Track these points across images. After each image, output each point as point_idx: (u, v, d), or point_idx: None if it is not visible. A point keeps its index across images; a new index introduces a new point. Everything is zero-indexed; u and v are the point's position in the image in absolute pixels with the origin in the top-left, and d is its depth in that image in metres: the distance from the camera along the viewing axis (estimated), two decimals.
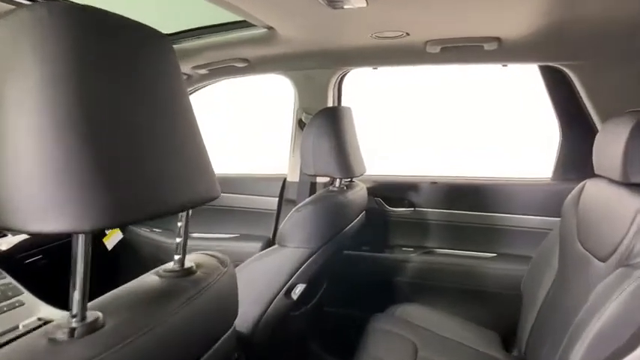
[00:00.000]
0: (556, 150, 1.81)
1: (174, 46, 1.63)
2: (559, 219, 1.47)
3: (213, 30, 1.52)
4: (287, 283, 1.31)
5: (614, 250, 1.11)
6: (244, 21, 1.36)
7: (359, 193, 1.57)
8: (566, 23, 1.24)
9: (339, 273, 1.82)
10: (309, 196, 1.89)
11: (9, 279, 1.29)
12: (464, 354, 1.49)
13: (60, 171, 0.43)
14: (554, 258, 1.45)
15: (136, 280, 0.64)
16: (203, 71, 1.83)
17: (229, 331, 0.78)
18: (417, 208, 1.94)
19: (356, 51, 1.60)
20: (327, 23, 1.30)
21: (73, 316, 0.49)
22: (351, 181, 1.62)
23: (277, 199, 2.05)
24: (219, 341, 0.74)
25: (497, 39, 1.41)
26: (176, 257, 0.69)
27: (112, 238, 2.00)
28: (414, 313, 1.69)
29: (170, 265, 0.69)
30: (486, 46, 1.45)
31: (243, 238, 2.07)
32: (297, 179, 1.97)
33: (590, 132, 1.67)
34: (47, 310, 1.21)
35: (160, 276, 0.66)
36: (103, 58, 0.49)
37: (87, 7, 0.48)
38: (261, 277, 1.32)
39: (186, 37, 1.57)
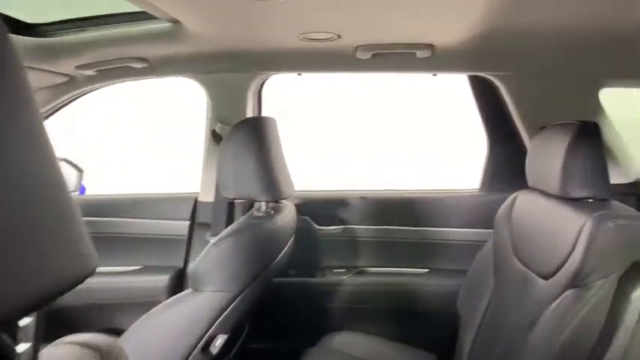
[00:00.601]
0: (484, 161, 1.80)
1: (50, 38, 1.30)
2: (491, 230, 1.44)
3: (104, 22, 1.24)
4: (204, 335, 1.07)
5: (559, 269, 1.07)
6: (143, 12, 1.10)
7: (288, 216, 1.38)
8: (496, 34, 1.20)
9: (265, 305, 1.61)
10: (227, 218, 1.65)
11: None
12: None
13: None
14: (489, 273, 1.41)
15: None
16: (90, 72, 1.49)
17: None
18: (347, 226, 1.80)
19: (280, 54, 1.41)
20: (245, 18, 1.09)
21: None
22: (277, 201, 1.41)
23: (188, 222, 1.77)
24: None
25: (431, 46, 1.33)
26: None
27: None
28: (350, 342, 1.57)
29: None
30: (419, 54, 1.36)
31: (148, 270, 1.75)
32: (211, 199, 1.70)
33: (518, 143, 1.67)
34: None
35: None
36: None
37: None
38: (173, 331, 1.06)
39: (68, 28, 1.26)
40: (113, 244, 1.78)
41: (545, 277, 1.12)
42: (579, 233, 1.03)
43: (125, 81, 1.67)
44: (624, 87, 1.68)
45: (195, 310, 1.08)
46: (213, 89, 1.69)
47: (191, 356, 1.05)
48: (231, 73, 1.64)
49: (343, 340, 1.58)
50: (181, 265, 1.76)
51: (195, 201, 1.78)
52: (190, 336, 1.05)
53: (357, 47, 1.35)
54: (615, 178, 1.66)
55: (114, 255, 1.76)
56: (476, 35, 1.22)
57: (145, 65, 1.46)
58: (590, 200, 1.13)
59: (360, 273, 1.79)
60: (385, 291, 1.76)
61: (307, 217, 1.79)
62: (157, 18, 1.14)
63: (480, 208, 1.72)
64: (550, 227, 1.17)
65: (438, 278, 1.74)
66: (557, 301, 1.04)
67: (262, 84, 1.77)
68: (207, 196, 1.73)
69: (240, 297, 1.13)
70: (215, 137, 1.67)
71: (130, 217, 1.81)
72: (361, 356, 1.50)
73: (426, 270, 1.78)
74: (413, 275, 1.77)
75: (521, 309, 1.19)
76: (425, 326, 1.70)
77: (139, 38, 1.28)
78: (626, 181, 1.67)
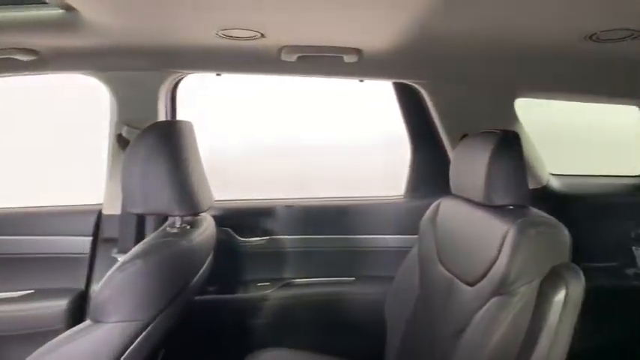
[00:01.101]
0: (408, 167, 1.81)
1: None
2: (417, 236, 1.44)
3: None
4: None
5: (484, 276, 1.09)
6: None
7: (207, 231, 1.25)
8: (421, 42, 1.20)
9: (181, 326, 1.46)
10: (137, 233, 1.47)
11: None
12: None
13: None
14: (415, 278, 1.41)
15: None
16: None
17: None
18: (272, 236, 1.71)
19: (195, 51, 1.28)
20: (154, 10, 0.96)
21: None
22: (194, 215, 1.28)
23: (90, 238, 1.56)
24: None
25: (358, 51, 1.29)
26: None
27: None
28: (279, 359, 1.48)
29: None
30: (346, 58, 1.32)
31: (41, 295, 1.50)
32: (117, 211, 1.52)
33: (441, 150, 1.70)
34: None
35: None
36: None
37: None
38: None
39: None
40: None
41: (471, 284, 1.13)
42: (503, 240, 1.05)
43: (9, 75, 1.43)
44: (538, 98, 1.79)
45: (97, 345, 0.92)
46: (118, 88, 1.50)
47: None
48: (140, 71, 1.47)
49: (270, 358, 1.48)
50: (82, 287, 1.55)
51: (99, 214, 1.58)
52: None
53: (282, 48, 1.26)
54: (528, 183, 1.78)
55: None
56: (403, 42, 1.20)
57: (34, 58, 1.24)
58: (511, 207, 1.16)
59: (286, 285, 1.71)
60: (312, 303, 1.70)
61: (228, 229, 1.68)
62: (46, 3, 0.96)
63: (404, 215, 1.73)
64: (474, 234, 1.18)
65: (365, 286, 1.72)
66: (485, 308, 1.05)
67: (176, 84, 1.61)
68: (113, 209, 1.54)
69: (152, 325, 0.98)
70: (121, 142, 1.48)
71: (21, 235, 1.57)
72: None
73: (353, 278, 1.75)
74: (340, 284, 1.73)
75: (447, 315, 1.19)
76: (353, 336, 1.67)
77: (26, 26, 1.08)
78: (537, 186, 1.79)
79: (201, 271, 1.21)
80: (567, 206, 1.79)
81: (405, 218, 1.70)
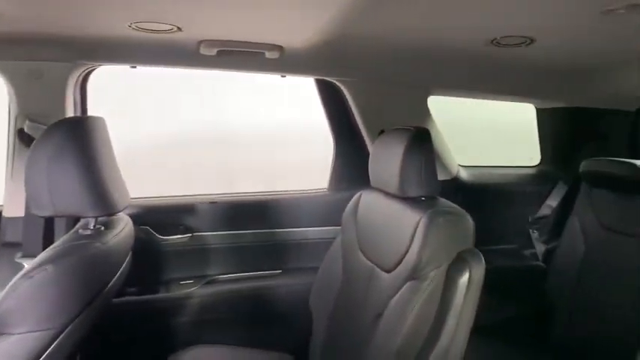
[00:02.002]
0: (331, 161, 1.86)
1: None
2: (340, 227, 1.50)
3: None
4: None
5: (399, 263, 1.16)
6: None
7: (124, 231, 1.19)
8: (340, 41, 1.24)
9: (98, 331, 1.39)
10: (45, 235, 1.36)
11: None
12: None
13: None
14: (338, 268, 1.47)
15: None
16: None
17: None
18: (195, 233, 1.67)
19: (107, 42, 1.21)
20: None
21: None
22: (109, 215, 1.21)
23: None
24: None
25: (280, 48, 1.30)
26: None
27: None
28: (202, 356, 1.47)
29: None
30: (268, 54, 1.32)
31: None
32: (21, 213, 1.39)
33: (361, 145, 1.77)
34: None
35: None
36: None
37: None
38: None
39: None
40: None
41: (388, 271, 1.20)
42: (415, 229, 1.13)
43: None
44: (449, 96, 1.92)
45: (3, 358, 0.85)
46: (19, 80, 1.37)
47: None
48: (45, 61, 1.36)
49: (194, 356, 1.46)
50: None
51: None
52: None
53: (201, 42, 1.24)
54: (439, 174, 1.91)
55: None
56: (323, 41, 1.23)
57: None
58: (423, 198, 1.24)
59: (211, 282, 1.69)
60: (238, 298, 1.70)
61: (147, 227, 1.61)
62: None
63: (328, 207, 1.77)
64: (390, 224, 1.25)
65: (291, 278, 1.75)
66: (399, 292, 1.12)
67: (87, 76, 1.51)
68: (15, 210, 1.41)
69: (64, 333, 0.93)
70: (23, 138, 1.36)
71: None
72: None
73: (279, 271, 1.77)
74: (266, 278, 1.75)
75: (367, 302, 1.25)
76: (281, 328, 1.70)
77: None
78: (448, 178, 1.92)
79: (118, 273, 1.16)
80: (474, 195, 1.96)
81: (329, 211, 1.75)
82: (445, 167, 1.89)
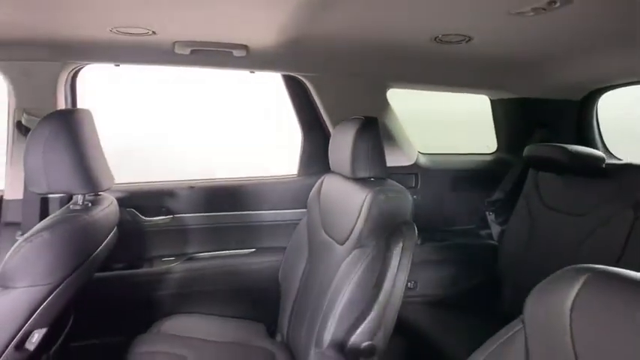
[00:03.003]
0: (299, 149, 2.04)
1: None
2: (306, 210, 1.66)
3: None
4: (18, 332, 1.04)
5: (349, 235, 1.33)
6: None
7: (109, 208, 1.37)
8: (302, 40, 1.40)
9: (89, 301, 1.57)
10: (41, 215, 1.54)
11: None
12: (234, 352, 1.53)
13: None
14: (304, 246, 1.63)
15: None
16: None
17: None
18: (175, 215, 1.85)
19: (91, 44, 1.39)
20: (47, 5, 1.06)
21: None
22: (96, 195, 1.40)
23: None
24: None
25: (245, 47, 1.47)
26: None
27: None
28: (181, 324, 1.64)
29: None
30: (235, 53, 1.49)
31: None
32: (20, 196, 1.57)
33: (325, 134, 1.94)
34: None
35: None
36: None
37: None
38: None
39: None
40: None
41: (341, 243, 1.37)
42: (362, 206, 1.30)
43: None
44: (406, 88, 2.09)
45: (6, 307, 1.03)
46: (16, 77, 1.54)
47: (3, 355, 1.01)
48: (37, 61, 1.53)
49: (175, 324, 1.62)
50: None
51: (1, 199, 1.62)
52: (2, 334, 1.00)
53: (175, 43, 1.41)
54: (400, 161, 2.09)
55: None
56: (283, 40, 1.40)
57: None
58: (372, 179, 1.42)
59: (190, 259, 1.86)
60: (215, 273, 1.87)
61: (132, 209, 1.79)
62: None
63: (297, 191, 1.94)
64: (344, 202, 1.43)
65: (262, 256, 1.92)
66: (346, 260, 1.30)
67: (76, 74, 1.68)
68: (15, 193, 1.58)
69: (58, 289, 1.11)
70: (21, 129, 1.54)
71: None
72: (194, 335, 1.58)
73: (253, 250, 1.94)
74: (240, 256, 1.91)
75: (326, 272, 1.41)
76: (253, 300, 1.86)
77: None
78: (408, 163, 2.10)
79: (104, 243, 1.34)
80: (432, 179, 2.14)
81: (298, 194, 1.91)
82: (405, 153, 2.07)
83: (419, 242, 2.05)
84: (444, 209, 2.20)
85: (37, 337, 1.07)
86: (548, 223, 1.80)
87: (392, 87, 2.00)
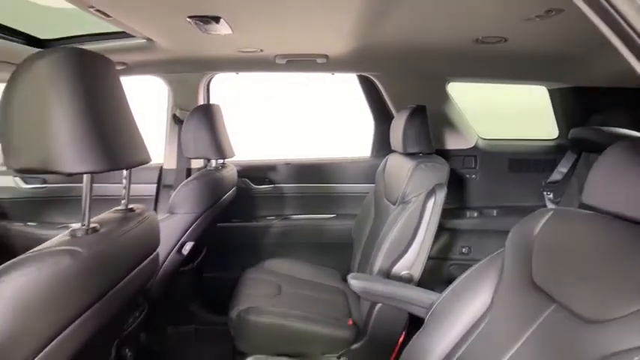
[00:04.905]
0: (372, 136, 2.49)
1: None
2: (374, 185, 2.10)
3: (96, 38, 1.73)
4: (179, 241, 1.66)
5: (399, 196, 1.74)
6: (123, 32, 1.57)
7: (230, 172, 1.99)
8: (369, 46, 1.76)
9: (215, 242, 2.20)
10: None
11: None
12: (314, 287, 2.01)
13: (77, 139, 0.77)
14: (371, 210, 2.06)
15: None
16: None
17: (153, 254, 1.15)
18: (275, 185, 2.42)
19: (222, 60, 2.00)
20: (199, 41, 1.64)
21: (83, 225, 0.84)
22: (223, 163, 2.03)
23: (155, 185, 2.32)
24: (147, 259, 1.10)
25: (326, 56, 1.95)
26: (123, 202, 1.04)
27: None
28: (278, 265, 2.18)
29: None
30: (318, 60, 1.98)
31: None
32: (174, 166, 2.28)
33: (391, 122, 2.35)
34: None
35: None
36: (91, 82, 0.83)
37: (79, 50, 0.82)
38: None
39: (69, 42, 1.75)
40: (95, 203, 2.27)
41: (394, 203, 1.80)
42: (408, 172, 1.72)
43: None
44: (464, 82, 2.40)
45: (174, 225, 1.65)
46: (174, 84, 2.25)
47: (170, 254, 1.64)
48: (187, 73, 2.21)
49: (274, 264, 2.17)
50: None
51: (161, 169, 2.34)
52: (170, 241, 1.63)
53: (275, 56, 1.95)
54: (460, 144, 2.40)
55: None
56: (354, 47, 1.80)
57: (123, 67, 1.99)
58: (421, 154, 1.82)
59: (285, 219, 2.41)
60: (304, 230, 2.38)
61: (246, 179, 2.39)
62: (134, 36, 1.67)
63: (368, 169, 2.37)
64: (398, 172, 1.84)
65: (339, 220, 2.40)
66: (393, 213, 1.72)
67: (210, 80, 2.34)
68: (171, 164, 2.30)
69: (200, 217, 1.72)
70: (175, 119, 2.25)
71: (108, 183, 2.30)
72: (287, 273, 2.11)
73: (333, 215, 2.43)
74: (323, 219, 2.42)
75: (381, 225, 1.82)
76: (331, 253, 2.35)
77: (121, 50, 1.80)
78: (468, 146, 2.42)
79: (225, 195, 1.95)
80: (491, 161, 2.41)
81: (369, 171, 2.33)
82: (464, 138, 2.39)
83: (475, 215, 2.37)
84: (502, 188, 2.45)
85: (189, 246, 1.70)
86: None
87: (451, 81, 2.31)
